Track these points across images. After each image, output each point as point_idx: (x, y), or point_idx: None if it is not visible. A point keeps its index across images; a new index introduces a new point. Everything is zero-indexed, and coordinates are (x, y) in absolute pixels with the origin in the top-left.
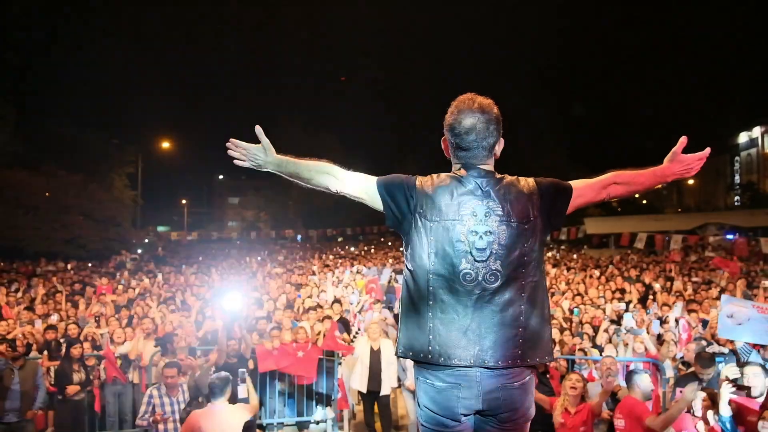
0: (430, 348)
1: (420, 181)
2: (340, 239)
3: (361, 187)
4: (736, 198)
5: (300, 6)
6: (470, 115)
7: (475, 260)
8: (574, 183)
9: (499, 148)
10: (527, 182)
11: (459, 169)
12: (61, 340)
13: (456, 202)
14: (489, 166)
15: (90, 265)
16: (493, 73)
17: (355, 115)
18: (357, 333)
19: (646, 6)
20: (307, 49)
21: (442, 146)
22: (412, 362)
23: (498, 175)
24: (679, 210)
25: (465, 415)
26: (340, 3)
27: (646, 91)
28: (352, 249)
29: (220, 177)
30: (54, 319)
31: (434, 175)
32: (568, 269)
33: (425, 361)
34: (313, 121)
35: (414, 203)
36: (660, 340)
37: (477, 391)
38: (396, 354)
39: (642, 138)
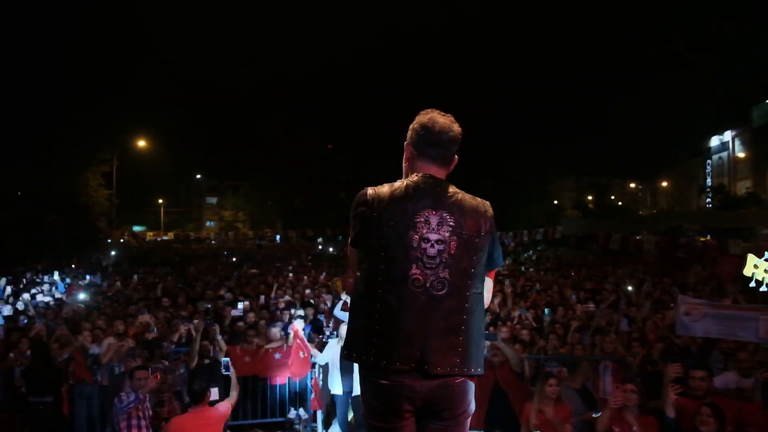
0: (374, 350)
1: (372, 189)
2: (319, 240)
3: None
4: (708, 200)
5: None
6: (443, 120)
7: (425, 267)
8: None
9: (452, 164)
10: (484, 203)
11: (415, 177)
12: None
13: (411, 209)
14: (443, 176)
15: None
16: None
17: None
18: (330, 335)
19: (622, 11)
20: (287, 48)
21: (405, 155)
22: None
23: (453, 189)
24: (654, 211)
25: (408, 411)
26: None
27: (622, 98)
28: (330, 249)
29: (198, 176)
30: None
31: (390, 183)
32: (544, 269)
33: (368, 363)
34: (295, 120)
35: (369, 211)
36: (628, 339)
37: (418, 392)
38: (341, 356)
39: (618, 142)
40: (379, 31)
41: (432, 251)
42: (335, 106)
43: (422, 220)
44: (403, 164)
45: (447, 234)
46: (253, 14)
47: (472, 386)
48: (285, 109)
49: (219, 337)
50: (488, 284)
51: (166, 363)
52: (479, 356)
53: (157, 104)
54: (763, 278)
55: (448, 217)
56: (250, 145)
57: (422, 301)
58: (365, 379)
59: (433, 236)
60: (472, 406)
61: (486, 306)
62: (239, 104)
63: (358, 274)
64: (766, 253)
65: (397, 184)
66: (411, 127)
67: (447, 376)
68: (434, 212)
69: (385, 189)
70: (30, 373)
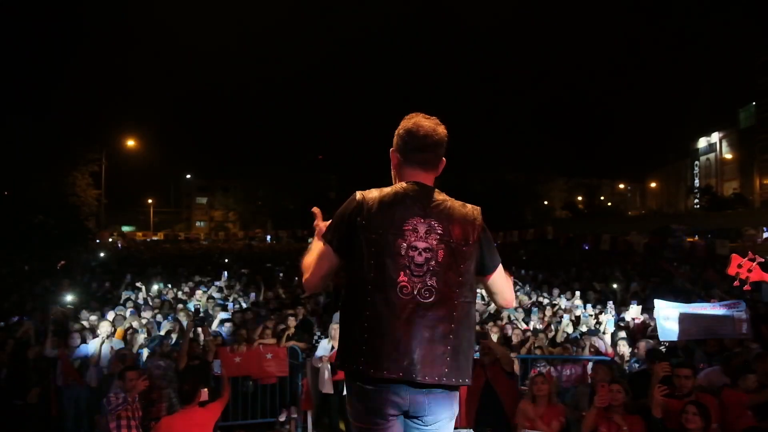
0: (362, 359)
1: (362, 194)
2: (309, 240)
3: (325, 264)
4: (696, 201)
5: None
6: (427, 124)
7: (413, 275)
8: (500, 267)
9: (441, 167)
10: (474, 211)
11: (404, 184)
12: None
13: (399, 216)
14: (431, 182)
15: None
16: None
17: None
18: (320, 336)
19: (612, 15)
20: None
21: (393, 162)
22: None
23: (442, 196)
24: (643, 212)
25: (393, 415)
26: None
27: (611, 100)
28: None
29: (188, 176)
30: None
31: (379, 189)
32: (534, 269)
33: (356, 372)
34: (287, 121)
35: (357, 216)
36: (615, 339)
37: (403, 398)
38: (336, 367)
39: (607, 143)
40: (367, 33)
41: (419, 259)
42: (327, 107)
43: (410, 228)
44: (392, 171)
45: (435, 242)
46: (247, 15)
47: (457, 393)
48: (276, 109)
49: (209, 338)
50: (500, 282)
51: (163, 363)
52: (467, 367)
53: (147, 104)
54: (747, 278)
55: (436, 225)
56: (241, 145)
57: (410, 309)
58: (351, 383)
59: (421, 244)
60: (456, 408)
61: (509, 301)
62: (230, 105)
63: (347, 280)
64: (749, 252)
65: (387, 190)
66: (396, 133)
67: (433, 385)
68: (422, 220)
69: (374, 194)
70: (11, 375)
